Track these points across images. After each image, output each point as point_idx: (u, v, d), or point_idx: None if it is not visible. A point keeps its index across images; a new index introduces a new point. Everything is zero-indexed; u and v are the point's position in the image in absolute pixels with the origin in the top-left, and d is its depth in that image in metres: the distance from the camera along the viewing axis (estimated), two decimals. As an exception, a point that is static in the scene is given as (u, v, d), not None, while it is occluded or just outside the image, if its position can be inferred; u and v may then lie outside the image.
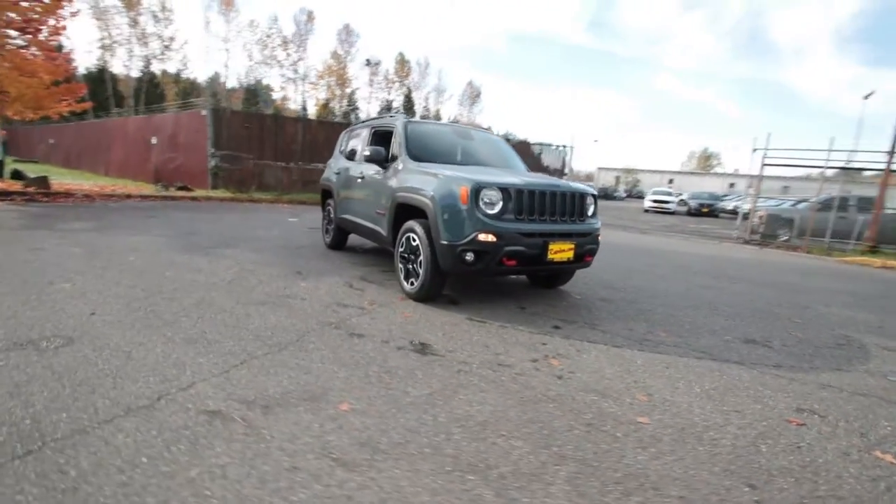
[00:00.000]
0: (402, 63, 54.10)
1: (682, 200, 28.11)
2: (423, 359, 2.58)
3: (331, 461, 1.62)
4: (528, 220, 3.43)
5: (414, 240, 3.66)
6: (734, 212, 26.89)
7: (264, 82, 48.28)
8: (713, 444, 1.92)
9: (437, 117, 56.83)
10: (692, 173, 66.16)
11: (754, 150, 13.02)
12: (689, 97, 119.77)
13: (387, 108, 51.67)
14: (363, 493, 1.47)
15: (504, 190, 3.36)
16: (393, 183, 4.06)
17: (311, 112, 49.29)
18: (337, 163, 5.74)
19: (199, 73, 68.91)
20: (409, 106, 53.59)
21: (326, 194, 6.01)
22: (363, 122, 5.62)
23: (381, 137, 4.99)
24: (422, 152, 4.19)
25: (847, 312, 4.50)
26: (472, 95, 60.70)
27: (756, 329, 3.64)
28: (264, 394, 2.06)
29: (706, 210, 25.42)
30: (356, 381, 2.24)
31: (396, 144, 4.29)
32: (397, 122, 4.44)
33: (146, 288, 3.53)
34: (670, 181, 55.43)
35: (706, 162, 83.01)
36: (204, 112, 12.88)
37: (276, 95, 51.22)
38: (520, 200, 3.40)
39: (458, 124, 4.87)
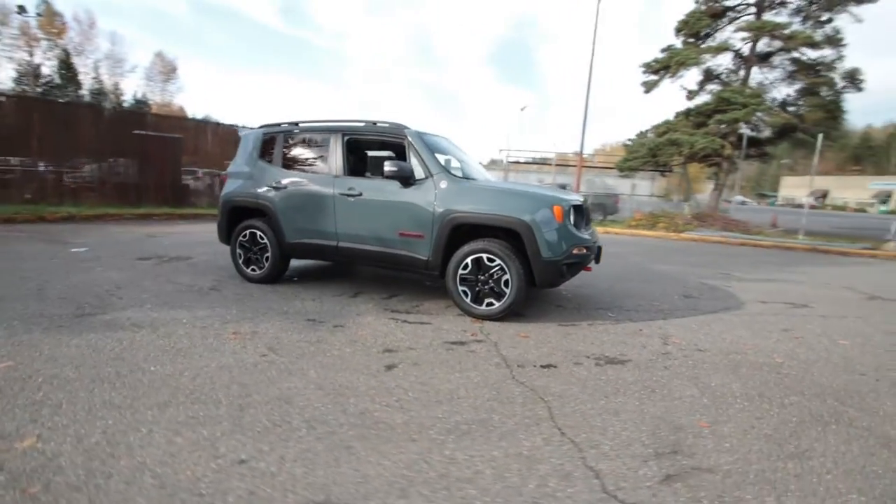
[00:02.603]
0: (51, 16, 39.24)
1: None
2: (634, 368, 2.84)
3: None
4: (587, 231, 3.94)
5: (492, 259, 3.57)
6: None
7: None
8: (816, 361, 3.11)
9: (118, 92, 44.73)
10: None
11: (500, 150, 17.00)
12: (382, 94, 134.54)
13: (34, 74, 36.78)
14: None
15: (576, 207, 3.75)
16: (437, 202, 3.71)
17: None
18: (266, 174, 4.43)
19: None
20: (70, 75, 39.83)
21: (243, 214, 4.57)
22: (310, 123, 4.48)
23: (357, 147, 4.27)
24: (441, 167, 3.96)
25: (660, 267, 6.97)
26: (166, 70, 50.26)
27: (671, 288, 5.35)
28: (662, 455, 1.99)
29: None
30: (655, 407, 2.37)
31: (417, 160, 3.87)
32: (409, 133, 3.95)
33: (191, 398, 2.19)
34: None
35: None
36: None
37: None
38: (584, 214, 3.87)
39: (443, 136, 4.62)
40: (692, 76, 19.68)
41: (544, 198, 3.62)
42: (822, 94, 13.77)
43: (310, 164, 4.35)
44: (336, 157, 4.19)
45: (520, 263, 3.52)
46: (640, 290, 5.10)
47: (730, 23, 14.71)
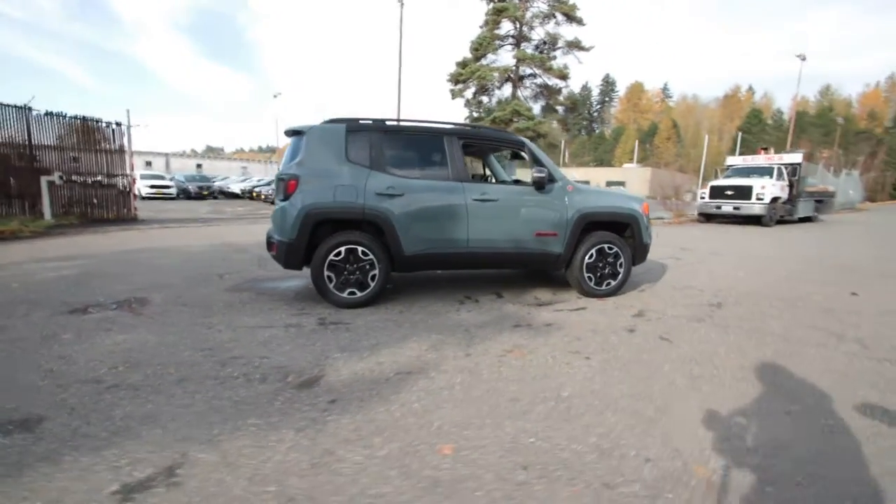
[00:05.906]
0: None
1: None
2: (739, 306, 4.26)
3: None
4: None
5: (611, 248, 4.36)
6: (235, 193, 27.37)
7: None
8: (769, 284, 5.32)
9: None
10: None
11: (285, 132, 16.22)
12: (28, 55, 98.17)
13: None
14: None
15: (641, 203, 4.91)
16: (567, 202, 4.18)
17: None
18: (369, 179, 3.68)
19: None
20: None
21: (332, 227, 3.71)
22: (411, 123, 3.96)
23: (463, 150, 4.19)
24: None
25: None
26: None
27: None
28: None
29: (206, 192, 25.60)
30: (823, 322, 3.85)
31: (539, 165, 4.19)
32: (525, 141, 4.20)
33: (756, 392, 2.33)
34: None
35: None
36: None
37: None
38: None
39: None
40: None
41: (637, 197, 4.66)
42: (558, 110, 19.32)
43: (422, 168, 3.97)
44: (456, 161, 4.01)
45: (628, 248, 4.48)
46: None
47: (499, 48, 18.56)
